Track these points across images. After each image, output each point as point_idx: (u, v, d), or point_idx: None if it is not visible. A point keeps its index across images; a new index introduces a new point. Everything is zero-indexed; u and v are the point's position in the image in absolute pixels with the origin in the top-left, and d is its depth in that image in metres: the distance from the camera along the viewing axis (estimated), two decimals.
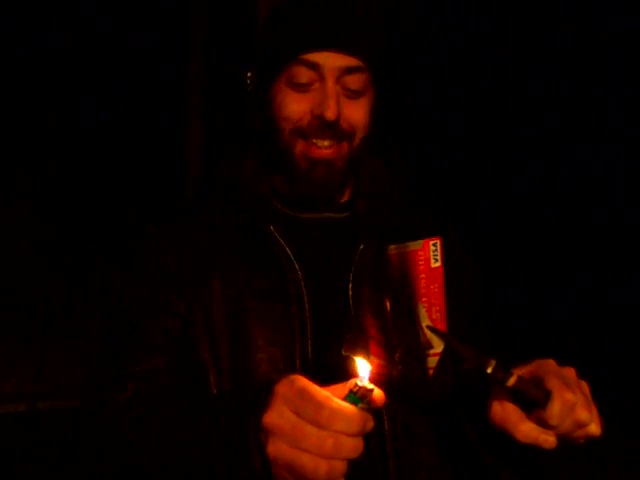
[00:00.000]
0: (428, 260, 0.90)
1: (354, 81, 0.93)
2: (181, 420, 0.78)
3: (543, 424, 0.72)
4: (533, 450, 0.73)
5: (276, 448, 0.64)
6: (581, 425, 0.73)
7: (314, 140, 0.93)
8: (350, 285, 0.94)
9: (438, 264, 0.90)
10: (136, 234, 1.00)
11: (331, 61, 0.91)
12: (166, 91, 2.60)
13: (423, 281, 0.90)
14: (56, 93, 2.51)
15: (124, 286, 0.97)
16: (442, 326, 0.88)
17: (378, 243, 0.96)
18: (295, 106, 0.93)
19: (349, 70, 0.92)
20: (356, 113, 0.94)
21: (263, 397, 0.66)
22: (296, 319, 0.90)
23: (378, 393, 0.66)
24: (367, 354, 0.86)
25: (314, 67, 0.91)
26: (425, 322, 0.89)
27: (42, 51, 2.48)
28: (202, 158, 2.61)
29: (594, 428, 0.73)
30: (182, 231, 0.97)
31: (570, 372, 0.75)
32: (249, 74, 1.04)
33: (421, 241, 0.90)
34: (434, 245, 0.90)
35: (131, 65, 2.58)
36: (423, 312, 0.90)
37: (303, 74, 0.92)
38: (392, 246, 0.93)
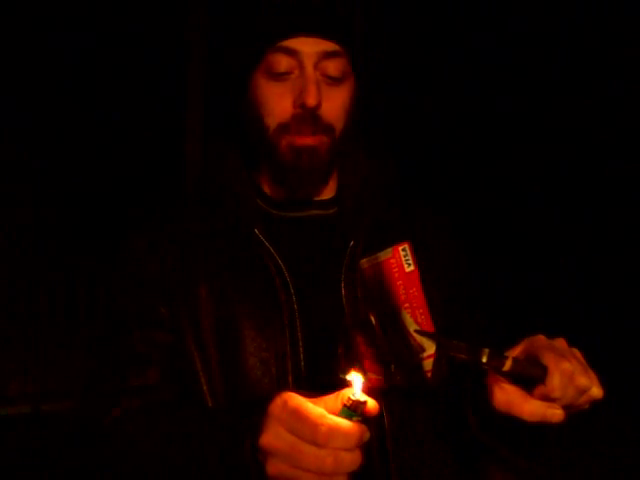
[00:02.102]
0: (401, 266, 0.90)
1: (333, 66, 0.92)
2: (175, 441, 0.77)
3: (546, 399, 0.72)
4: (542, 429, 0.73)
5: (276, 468, 0.65)
6: (583, 391, 0.72)
7: (297, 134, 0.92)
8: (342, 284, 0.93)
9: (412, 267, 0.90)
10: (120, 245, 0.99)
11: (309, 46, 0.91)
12: (167, 90, 2.59)
13: (401, 287, 0.90)
14: (56, 92, 2.49)
15: (109, 298, 0.97)
16: (429, 327, 0.88)
17: (369, 239, 0.95)
18: (277, 99, 0.92)
19: (327, 55, 0.91)
20: (337, 101, 0.93)
21: (257, 417, 0.67)
22: (286, 323, 0.90)
23: (372, 404, 0.66)
24: (363, 372, 0.86)
25: (292, 54, 0.91)
26: (412, 327, 0.89)
27: (41, 49, 2.46)
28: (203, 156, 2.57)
29: (596, 391, 0.74)
30: (166, 238, 0.96)
31: (561, 342, 0.76)
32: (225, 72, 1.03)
33: (390, 249, 0.90)
34: (403, 250, 0.90)
35: (131, 64, 2.57)
36: (408, 318, 0.90)
37: (282, 62, 0.91)
38: (363, 260, 0.93)
